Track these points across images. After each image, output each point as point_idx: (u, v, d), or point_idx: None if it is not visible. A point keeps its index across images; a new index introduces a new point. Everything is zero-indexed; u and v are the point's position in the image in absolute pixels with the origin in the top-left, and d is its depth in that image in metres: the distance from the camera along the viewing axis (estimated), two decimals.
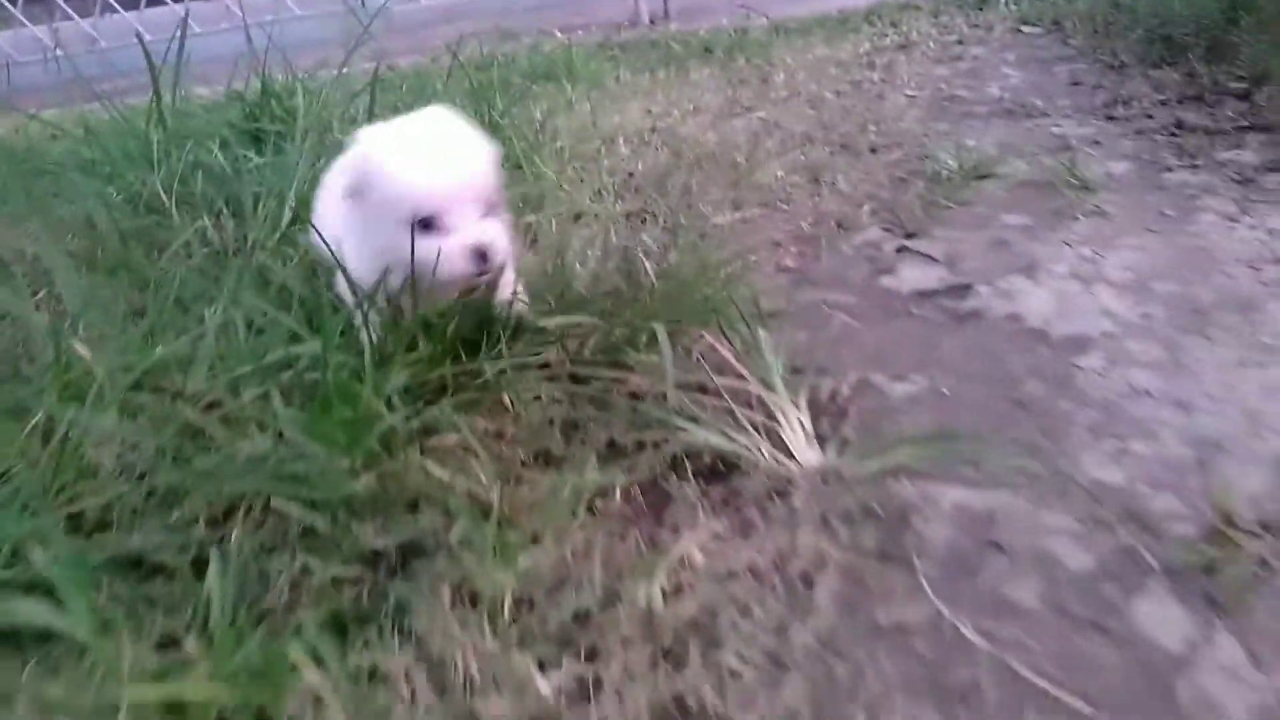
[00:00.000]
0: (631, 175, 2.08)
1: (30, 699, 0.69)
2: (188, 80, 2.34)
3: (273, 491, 0.89)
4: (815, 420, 1.08)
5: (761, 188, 1.94)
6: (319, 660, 0.73)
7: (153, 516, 0.92)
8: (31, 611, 0.76)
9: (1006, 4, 3.66)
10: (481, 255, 1.06)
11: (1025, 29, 3.36)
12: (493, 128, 2.23)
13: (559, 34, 3.80)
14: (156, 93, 1.96)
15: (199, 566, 0.84)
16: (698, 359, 1.18)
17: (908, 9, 3.76)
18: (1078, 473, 0.96)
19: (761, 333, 1.15)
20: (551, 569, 0.84)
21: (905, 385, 1.17)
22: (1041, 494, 0.94)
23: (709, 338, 1.19)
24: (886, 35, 3.44)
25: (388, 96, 2.48)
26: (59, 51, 4.06)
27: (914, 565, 0.86)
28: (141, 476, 0.97)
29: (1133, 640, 0.76)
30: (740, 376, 1.11)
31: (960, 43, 3.27)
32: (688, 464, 1.01)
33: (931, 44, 3.28)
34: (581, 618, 0.79)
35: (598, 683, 0.73)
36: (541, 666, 0.74)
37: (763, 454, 1.01)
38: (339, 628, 0.78)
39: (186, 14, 2.05)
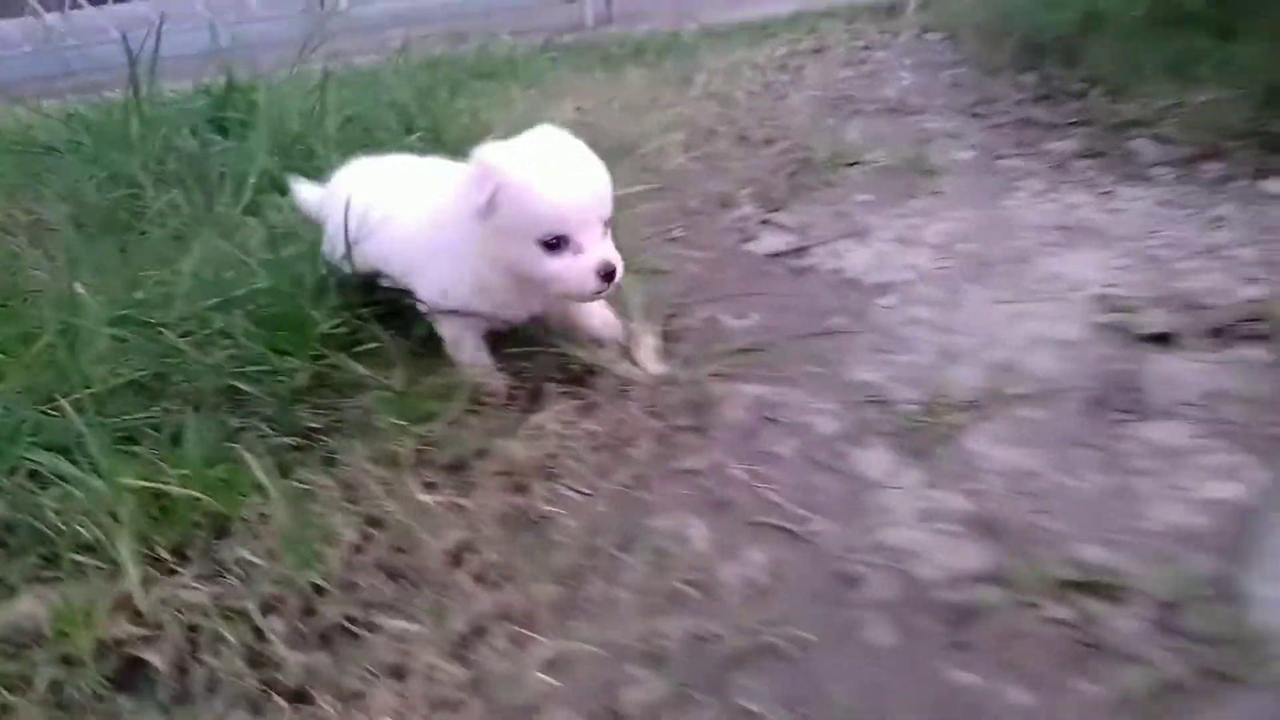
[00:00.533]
0: None
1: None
2: (159, 75, 2.61)
3: (235, 381, 1.18)
4: (665, 344, 1.38)
5: (665, 172, 2.25)
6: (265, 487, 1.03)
7: (138, 405, 1.21)
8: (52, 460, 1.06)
9: (912, 12, 3.99)
10: (608, 275, 1.11)
11: (927, 36, 3.70)
12: (433, 119, 2.52)
13: (506, 36, 4.09)
14: (135, 85, 2.23)
15: (177, 439, 1.13)
16: None
17: (825, 16, 4.09)
18: (848, 374, 1.28)
19: (633, 280, 1.46)
20: (443, 435, 1.15)
21: (742, 320, 1.48)
22: (816, 388, 1.25)
23: None
24: (802, 40, 3.77)
25: (342, 92, 2.75)
26: (45, 43, 4.30)
27: (710, 434, 1.17)
28: (130, 383, 1.26)
29: (849, 475, 1.07)
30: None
31: (867, 48, 3.60)
32: (559, 373, 1.31)
33: (842, 49, 3.61)
34: (460, 462, 1.10)
35: (468, 495, 1.04)
36: (426, 488, 1.04)
37: (617, 366, 1.31)
38: (284, 470, 1.08)
39: (162, 17, 2.32)
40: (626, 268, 1.15)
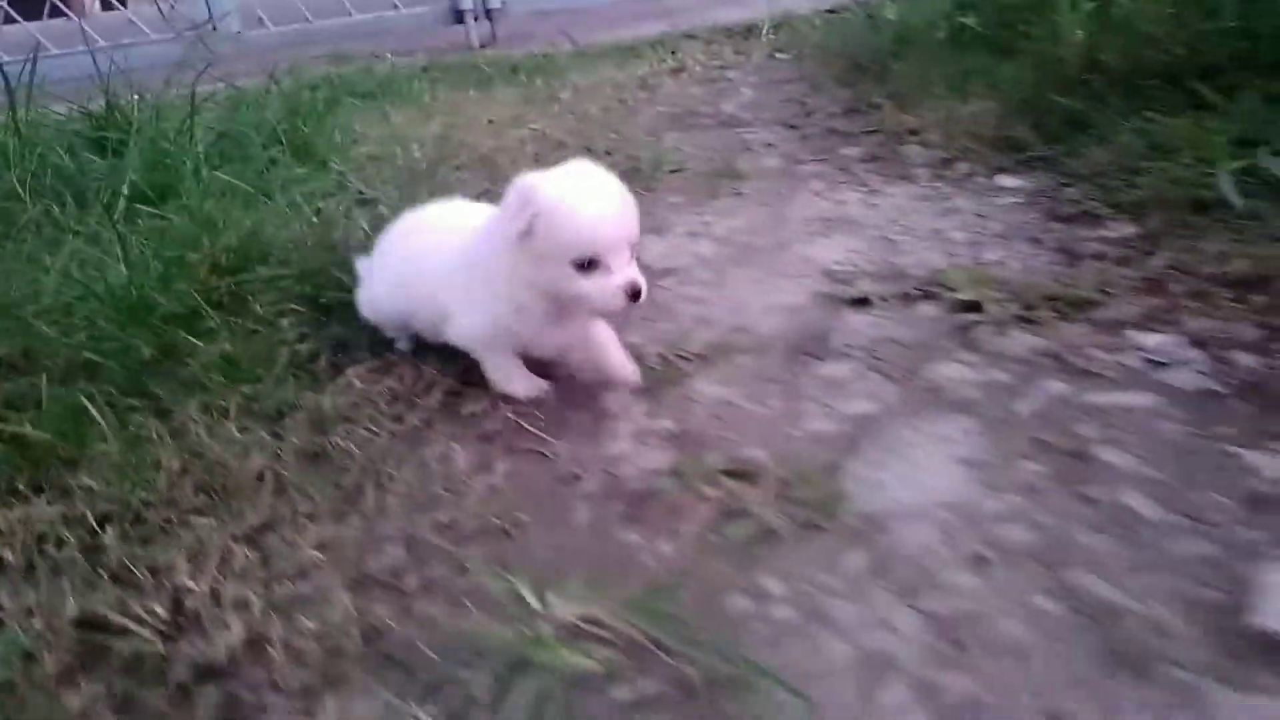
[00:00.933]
0: (413, 171, 2.63)
1: None
2: (43, 96, 2.78)
3: (90, 355, 1.41)
4: None
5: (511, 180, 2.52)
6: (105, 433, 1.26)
7: (6, 380, 1.42)
8: None
9: (766, 35, 4.35)
10: (635, 294, 1.21)
11: (778, 56, 4.05)
12: (303, 136, 2.76)
13: (389, 57, 4.33)
14: (12, 106, 2.41)
15: (40, 403, 1.35)
16: None
17: (688, 38, 4.43)
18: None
19: None
20: (264, 391, 1.39)
21: None
22: None
23: None
24: (665, 60, 4.09)
25: (217, 112, 2.96)
26: None
27: (488, 388, 1.43)
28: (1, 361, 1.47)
29: (595, 411, 1.35)
30: None
31: (722, 68, 3.93)
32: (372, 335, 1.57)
33: (699, 68, 3.94)
34: (278, 412, 1.34)
35: (279, 438, 1.28)
36: (243, 431, 1.29)
37: None
38: (124, 422, 1.31)
39: (39, 43, 2.51)
40: None
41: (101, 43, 5.04)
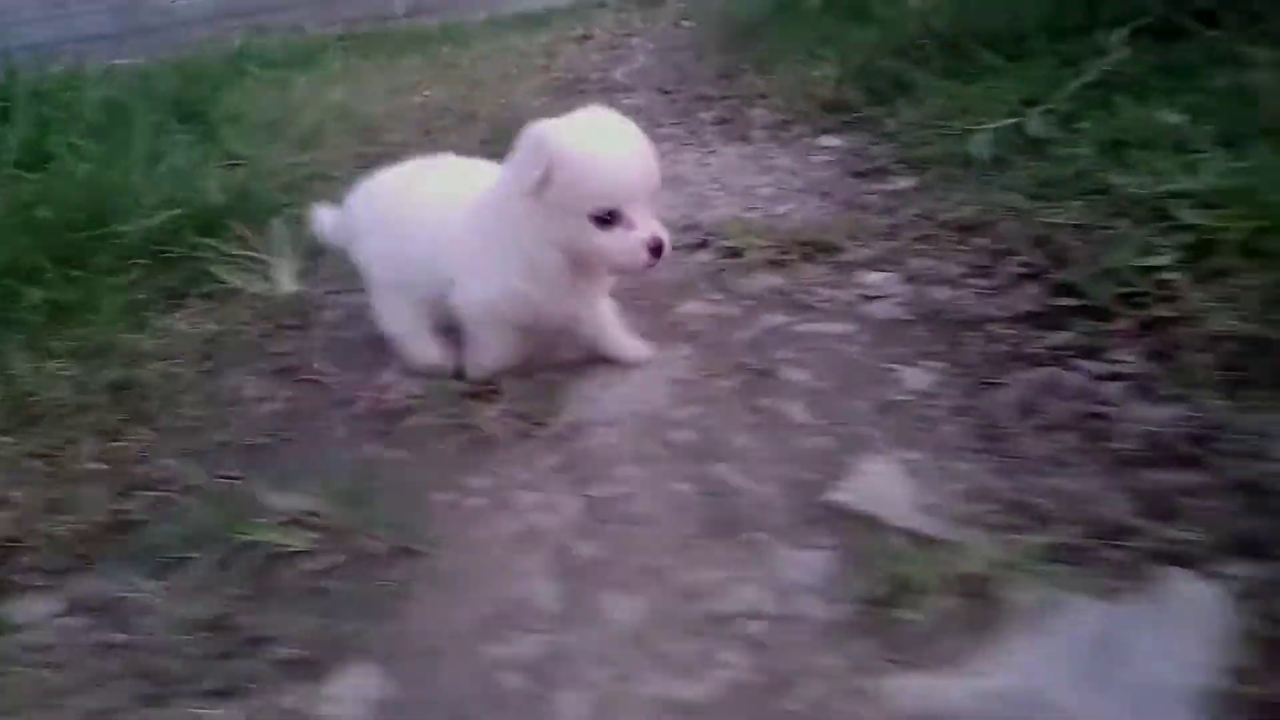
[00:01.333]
0: (303, 137, 2.77)
1: None
2: None
3: None
4: (299, 271, 1.80)
5: (389, 143, 2.66)
6: None
7: None
8: None
9: (675, 3, 4.48)
10: (658, 249, 1.13)
11: (684, 24, 4.18)
12: (195, 105, 2.88)
13: (306, 29, 4.43)
14: None
15: None
16: (240, 238, 1.88)
17: (598, 7, 4.55)
18: None
19: (280, 224, 1.87)
20: (88, 334, 1.54)
21: None
22: None
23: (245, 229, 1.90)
24: (574, 29, 4.22)
25: (115, 83, 3.08)
26: None
27: (306, 330, 1.59)
28: None
29: (377, 348, 1.51)
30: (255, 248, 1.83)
31: (628, 35, 4.07)
32: (202, 286, 1.72)
33: (606, 36, 4.07)
34: (99, 351, 1.50)
35: (94, 373, 1.44)
36: (60, 368, 1.44)
37: (254, 285, 1.73)
38: None
39: None
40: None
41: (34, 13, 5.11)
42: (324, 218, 1.55)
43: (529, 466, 1.16)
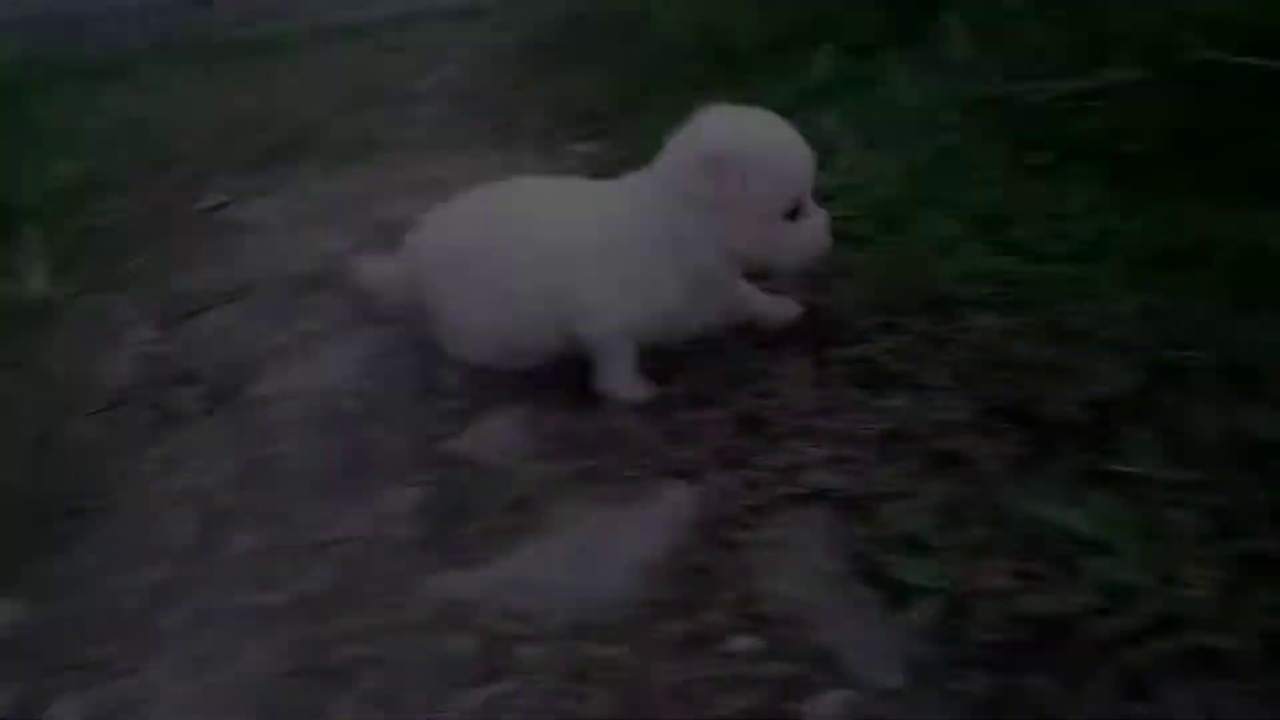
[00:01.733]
0: (88, 146, 2.83)
1: None
2: None
3: None
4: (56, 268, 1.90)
5: (178, 153, 2.75)
6: None
7: None
8: None
9: (497, 15, 4.65)
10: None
11: (497, 36, 4.34)
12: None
13: (126, 39, 4.43)
14: None
15: None
16: None
17: (422, 18, 4.68)
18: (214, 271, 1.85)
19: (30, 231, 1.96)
20: None
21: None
22: (209, 277, 1.81)
23: None
24: (392, 41, 4.33)
25: None
26: None
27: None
28: None
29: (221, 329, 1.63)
30: None
31: (444, 46, 4.20)
32: None
33: (419, 49, 4.20)
34: None
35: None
36: None
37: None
38: None
39: None
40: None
41: None
42: (371, 268, 1.46)
43: (205, 436, 1.31)
